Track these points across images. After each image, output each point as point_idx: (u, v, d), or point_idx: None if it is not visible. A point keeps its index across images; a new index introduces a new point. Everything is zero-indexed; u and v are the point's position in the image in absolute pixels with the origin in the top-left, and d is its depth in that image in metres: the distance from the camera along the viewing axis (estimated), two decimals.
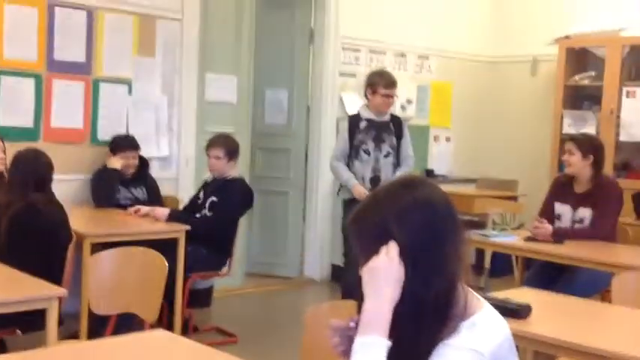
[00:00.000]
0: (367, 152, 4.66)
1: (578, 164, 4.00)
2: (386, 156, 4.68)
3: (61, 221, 3.25)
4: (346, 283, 4.58)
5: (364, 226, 1.43)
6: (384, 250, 1.38)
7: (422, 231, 1.37)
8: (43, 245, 3.07)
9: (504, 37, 7.09)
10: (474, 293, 1.45)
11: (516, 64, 7.01)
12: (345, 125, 4.78)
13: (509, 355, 1.39)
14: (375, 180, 4.60)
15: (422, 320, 1.35)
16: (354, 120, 4.73)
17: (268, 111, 6.15)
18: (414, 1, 6.61)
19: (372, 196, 1.45)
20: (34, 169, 3.22)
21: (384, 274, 1.36)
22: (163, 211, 4.25)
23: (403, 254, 1.37)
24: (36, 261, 2.87)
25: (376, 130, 4.69)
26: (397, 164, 4.73)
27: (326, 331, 2.21)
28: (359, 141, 4.66)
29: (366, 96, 4.75)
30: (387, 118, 4.75)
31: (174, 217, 4.25)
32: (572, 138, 4.20)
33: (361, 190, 4.52)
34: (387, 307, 1.35)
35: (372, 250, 1.40)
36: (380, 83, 4.64)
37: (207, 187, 4.53)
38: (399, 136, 4.76)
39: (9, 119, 4.48)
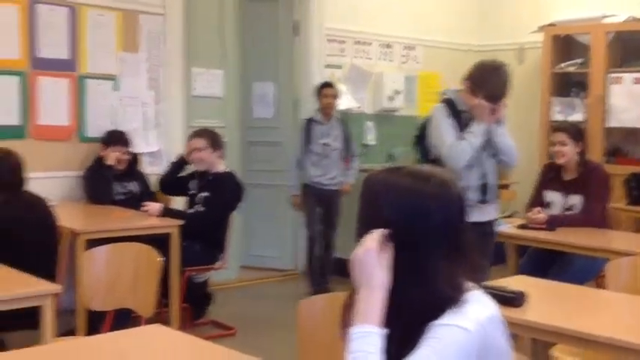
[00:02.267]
0: None
1: (571, 153, 4.02)
2: (492, 155, 3.62)
3: (30, 220, 3.17)
4: None
5: (367, 193, 1.46)
6: (368, 237, 1.40)
7: (438, 226, 1.39)
8: (12, 246, 2.99)
9: (490, 26, 7.11)
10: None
11: (503, 52, 7.00)
12: (443, 110, 3.55)
13: (497, 333, 1.40)
14: (484, 188, 3.54)
15: (422, 312, 1.37)
16: (452, 107, 3.55)
17: (256, 104, 6.13)
18: None
19: (394, 170, 1.46)
20: None
21: (370, 262, 1.38)
22: (156, 207, 4.23)
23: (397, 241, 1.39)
24: (12, 261, 2.80)
25: None
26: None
27: (320, 323, 2.23)
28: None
29: (468, 89, 3.49)
30: None
31: (168, 212, 4.23)
32: (561, 128, 4.21)
33: None
34: (379, 295, 1.36)
35: (366, 219, 1.43)
36: (481, 91, 3.44)
37: (199, 182, 4.51)
38: None
39: None
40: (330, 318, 2.25)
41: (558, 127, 4.25)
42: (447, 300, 1.37)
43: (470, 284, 1.44)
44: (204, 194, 4.37)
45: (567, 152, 4.02)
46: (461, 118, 3.54)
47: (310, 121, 5.31)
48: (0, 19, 4.43)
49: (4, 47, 4.46)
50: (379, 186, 1.43)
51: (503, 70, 3.51)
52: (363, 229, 1.42)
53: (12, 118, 4.52)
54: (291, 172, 5.38)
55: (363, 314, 1.35)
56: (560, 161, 4.07)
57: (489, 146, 3.56)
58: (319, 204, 5.31)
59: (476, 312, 1.37)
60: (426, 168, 1.49)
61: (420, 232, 1.39)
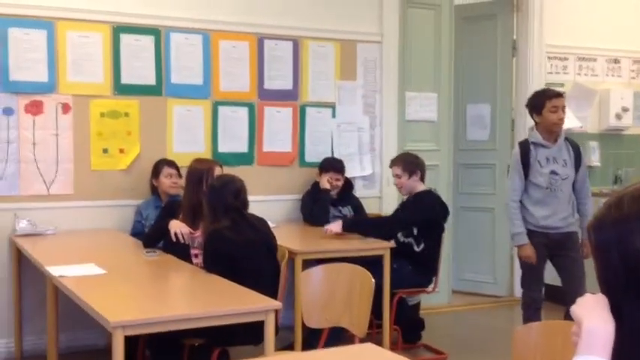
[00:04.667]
0: None
1: None
2: None
3: (253, 240, 3.34)
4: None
5: (602, 234, 1.30)
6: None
7: None
8: (238, 265, 3.18)
9: None
10: None
11: None
12: None
13: None
14: None
15: None
16: None
17: (470, 126, 6.06)
18: (627, 0, 6.17)
19: (617, 201, 1.30)
20: (219, 198, 3.37)
21: (597, 306, 1.27)
22: (336, 225, 4.28)
23: None
24: (238, 279, 3.00)
25: None
26: None
27: (536, 351, 2.13)
28: None
29: None
30: None
31: (349, 225, 4.30)
32: None
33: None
34: (611, 328, 1.25)
35: (608, 261, 1.28)
36: None
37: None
38: None
39: (227, 146, 4.85)
40: (547, 346, 2.15)
41: None
42: None
43: None
44: None
45: None
46: None
47: (528, 144, 4.11)
48: (232, 55, 4.85)
49: (238, 81, 4.87)
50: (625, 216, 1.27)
51: None
52: (603, 254, 1.28)
53: (242, 146, 4.91)
54: (512, 216, 4.09)
55: (591, 345, 1.24)
56: None
57: None
58: (546, 255, 4.15)
59: None
60: None
61: None
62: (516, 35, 5.91)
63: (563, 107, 4.08)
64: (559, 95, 4.08)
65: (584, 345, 1.25)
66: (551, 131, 4.06)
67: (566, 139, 4.17)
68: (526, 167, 4.05)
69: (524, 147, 4.09)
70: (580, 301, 1.30)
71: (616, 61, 6.20)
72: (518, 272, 5.69)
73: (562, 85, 5.93)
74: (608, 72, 6.18)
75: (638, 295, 1.24)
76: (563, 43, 5.94)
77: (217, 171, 3.88)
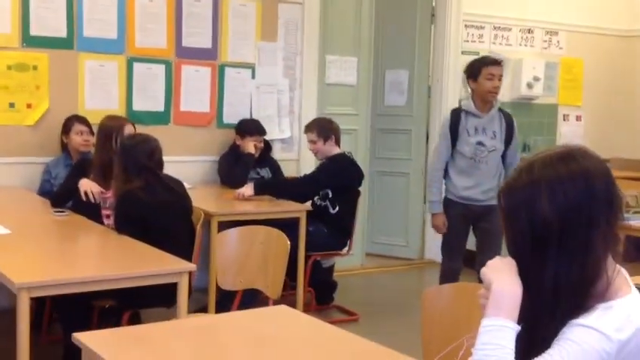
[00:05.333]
0: None
1: None
2: None
3: (167, 202, 3.27)
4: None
5: (512, 198, 1.35)
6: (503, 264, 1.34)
7: (573, 208, 1.28)
8: (151, 227, 3.13)
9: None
10: (626, 277, 1.35)
11: None
12: None
13: None
14: None
15: (557, 306, 1.29)
16: None
17: (388, 92, 6.12)
18: None
19: (527, 166, 1.35)
20: (130, 157, 3.27)
21: (505, 269, 1.33)
22: (247, 188, 4.23)
23: (548, 232, 1.29)
24: (150, 241, 2.96)
25: None
26: None
27: (445, 312, 2.20)
28: None
29: None
30: None
31: (261, 188, 4.27)
32: None
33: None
34: (519, 291, 1.30)
35: (516, 224, 1.33)
36: None
37: None
38: None
39: (142, 104, 4.72)
40: (456, 307, 2.23)
41: None
42: (591, 297, 1.28)
43: (630, 285, 1.34)
44: None
45: None
46: None
47: (459, 112, 4.03)
48: (149, 10, 4.69)
49: (154, 37, 4.72)
50: (535, 180, 1.32)
51: None
52: (514, 218, 1.33)
53: (158, 105, 4.79)
54: (431, 184, 4.12)
55: (499, 306, 1.29)
56: None
57: None
58: (468, 226, 4.12)
59: (625, 321, 1.27)
60: (573, 147, 1.36)
61: (587, 220, 1.28)
62: (435, 3, 5.97)
63: (500, 76, 3.97)
64: (496, 63, 3.99)
65: (492, 307, 1.30)
66: (485, 100, 3.96)
67: (501, 110, 4.08)
68: (454, 135, 3.98)
69: (456, 115, 4.02)
70: (489, 263, 1.35)
71: (529, 31, 6.37)
72: (429, 236, 5.86)
73: (477, 53, 6.03)
74: (522, 42, 6.35)
75: (544, 258, 1.29)
76: (480, 12, 6.05)
77: (128, 129, 3.77)
